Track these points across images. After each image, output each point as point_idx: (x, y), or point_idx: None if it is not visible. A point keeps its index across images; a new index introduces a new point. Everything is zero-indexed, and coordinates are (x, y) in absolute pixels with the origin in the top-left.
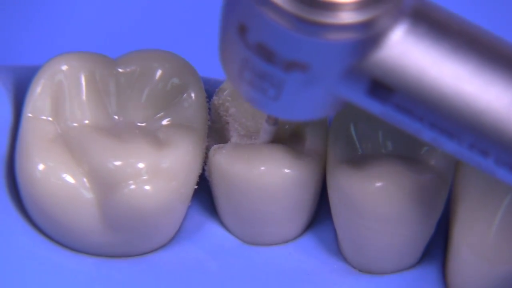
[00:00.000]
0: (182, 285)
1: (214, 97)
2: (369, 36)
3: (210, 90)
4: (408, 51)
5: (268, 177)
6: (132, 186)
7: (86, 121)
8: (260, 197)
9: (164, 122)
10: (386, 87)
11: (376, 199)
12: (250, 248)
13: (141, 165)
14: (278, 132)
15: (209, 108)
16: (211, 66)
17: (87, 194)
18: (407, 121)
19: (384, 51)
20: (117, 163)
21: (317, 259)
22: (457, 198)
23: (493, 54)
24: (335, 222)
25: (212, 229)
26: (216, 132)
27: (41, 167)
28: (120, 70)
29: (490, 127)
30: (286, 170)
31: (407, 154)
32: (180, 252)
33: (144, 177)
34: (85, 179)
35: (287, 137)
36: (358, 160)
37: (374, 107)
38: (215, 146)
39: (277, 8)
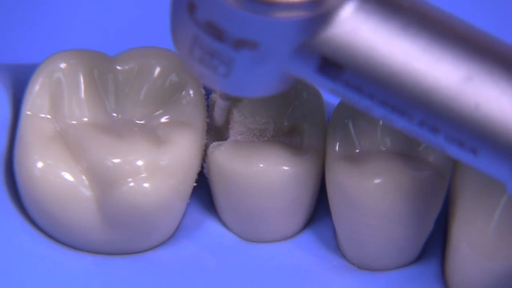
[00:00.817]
0: (181, 283)
1: (213, 94)
2: (318, 14)
3: (208, 87)
4: (357, 29)
5: (267, 174)
6: (131, 184)
7: (85, 119)
8: (259, 194)
9: (163, 119)
10: (335, 65)
11: (375, 196)
12: (249, 245)
13: (139, 163)
14: (276, 129)
15: (208, 106)
16: None
17: (86, 192)
18: (357, 98)
19: (334, 28)
20: (116, 160)
21: (316, 256)
22: (456, 195)
23: (444, 32)
24: (334, 219)
25: (211, 226)
26: (215, 129)
27: (39, 164)
28: (118, 67)
29: (440, 104)
30: (285, 167)
31: (405, 151)
32: (179, 250)
33: (143, 175)
34: (83, 177)
35: (285, 134)
36: (356, 157)
37: (324, 84)
38: (214, 143)
39: None
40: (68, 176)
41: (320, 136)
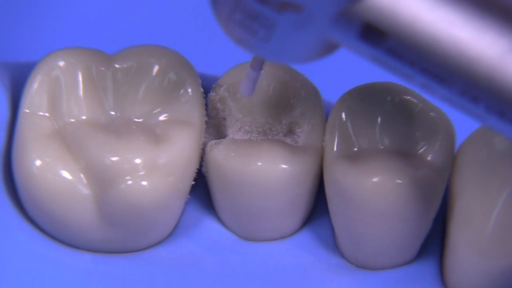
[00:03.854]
0: (179, 281)
1: (211, 93)
2: None
3: (207, 85)
4: None
5: (265, 172)
6: (129, 182)
7: (83, 117)
8: (257, 193)
9: (161, 117)
10: (378, 31)
11: (373, 195)
12: (247, 244)
13: (138, 161)
14: (275, 127)
15: (206, 104)
16: (209, 62)
17: (84, 190)
18: (398, 66)
19: None
20: (114, 158)
21: (314, 255)
22: (454, 193)
23: (489, 2)
24: (332, 218)
25: (209, 225)
26: (213, 127)
27: (38, 163)
28: (116, 65)
29: (482, 74)
30: (283, 166)
31: (404, 149)
32: (177, 248)
33: (141, 173)
34: (82, 175)
35: (284, 133)
36: (354, 155)
37: (365, 51)
38: (212, 141)
39: None
40: (66, 174)
41: (318, 134)
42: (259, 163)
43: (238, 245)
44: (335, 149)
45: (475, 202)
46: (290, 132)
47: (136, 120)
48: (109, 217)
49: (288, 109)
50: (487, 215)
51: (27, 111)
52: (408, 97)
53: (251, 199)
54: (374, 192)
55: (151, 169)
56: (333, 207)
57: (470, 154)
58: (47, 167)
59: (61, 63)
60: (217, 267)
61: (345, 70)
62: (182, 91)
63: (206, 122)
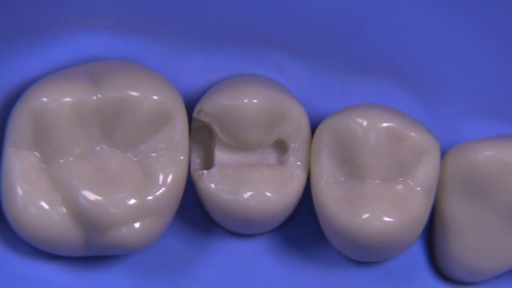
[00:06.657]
0: (170, 282)
1: (195, 116)
2: None
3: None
4: None
5: (253, 204)
6: (122, 228)
7: (70, 156)
8: (245, 219)
9: (148, 151)
10: None
11: (363, 232)
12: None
13: (128, 204)
14: (261, 147)
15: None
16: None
17: (72, 230)
18: None
19: None
20: (103, 203)
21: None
22: (441, 206)
23: None
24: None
25: (200, 222)
26: (200, 149)
27: (24, 202)
28: (100, 96)
29: None
30: (270, 196)
31: (391, 174)
32: (167, 249)
33: (132, 217)
34: (69, 216)
35: (270, 152)
36: (343, 186)
37: None
38: (199, 172)
39: None
40: (53, 214)
41: (305, 154)
42: (246, 195)
43: (226, 240)
44: (322, 178)
45: (462, 214)
46: (276, 151)
47: (123, 154)
48: (98, 251)
49: (274, 129)
50: (476, 226)
51: (11, 149)
52: (395, 119)
53: (240, 223)
54: (363, 229)
55: (141, 211)
56: (326, 232)
57: (454, 167)
58: (32, 207)
59: (45, 99)
60: (207, 265)
61: (334, 91)
62: (169, 125)
63: (193, 146)
